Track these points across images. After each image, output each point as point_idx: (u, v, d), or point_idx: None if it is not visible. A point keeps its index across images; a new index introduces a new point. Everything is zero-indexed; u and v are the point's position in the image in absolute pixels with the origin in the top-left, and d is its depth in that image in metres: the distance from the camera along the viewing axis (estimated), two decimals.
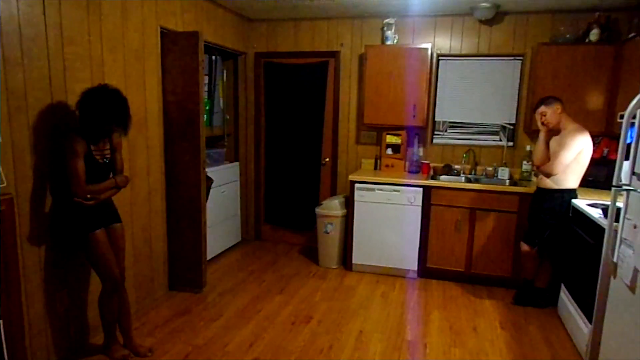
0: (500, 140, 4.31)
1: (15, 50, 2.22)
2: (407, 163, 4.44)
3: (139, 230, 3.25)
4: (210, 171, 3.95)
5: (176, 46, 3.37)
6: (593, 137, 3.28)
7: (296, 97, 4.72)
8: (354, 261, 4.25)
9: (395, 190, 3.99)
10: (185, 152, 3.47)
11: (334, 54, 4.57)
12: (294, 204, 4.89)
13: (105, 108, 2.32)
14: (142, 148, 3.23)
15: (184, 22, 3.60)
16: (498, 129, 4.31)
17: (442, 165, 4.39)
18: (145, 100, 3.23)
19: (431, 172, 4.33)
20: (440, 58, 4.31)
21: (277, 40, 4.72)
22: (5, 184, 2.01)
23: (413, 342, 3.01)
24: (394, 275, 4.16)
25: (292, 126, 4.77)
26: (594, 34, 3.71)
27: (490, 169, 4.29)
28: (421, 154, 4.45)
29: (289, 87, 4.72)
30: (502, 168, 4.19)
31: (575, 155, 3.14)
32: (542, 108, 3.27)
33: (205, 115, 3.99)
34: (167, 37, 3.37)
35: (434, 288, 3.92)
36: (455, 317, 3.37)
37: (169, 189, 3.54)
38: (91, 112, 2.31)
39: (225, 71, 4.79)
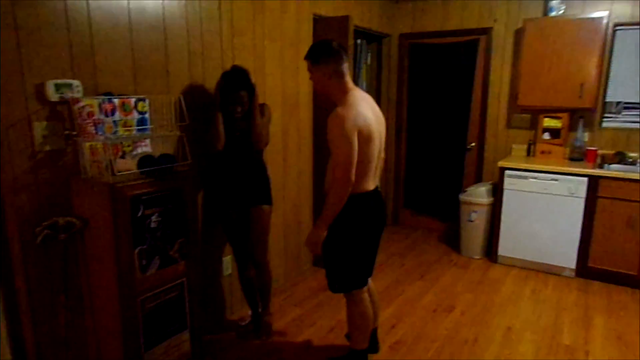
0: None
1: (197, 43, 2.52)
2: (567, 149, 3.97)
3: (289, 208, 3.48)
4: None
5: (327, 31, 3.48)
6: None
7: (441, 79, 4.53)
8: (499, 253, 3.98)
9: (553, 179, 3.60)
10: None
11: (486, 31, 4.26)
12: (435, 189, 4.75)
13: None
14: (294, 130, 3.43)
15: (334, 7, 3.68)
16: None
17: (612, 152, 3.82)
18: (298, 85, 3.41)
19: (598, 161, 3.80)
20: (617, 28, 3.71)
21: (423, 20, 4.57)
22: (189, 161, 2.30)
23: (572, 347, 2.73)
24: (545, 271, 3.79)
25: (436, 109, 4.61)
26: None
27: None
28: (586, 139, 3.93)
29: (434, 68, 4.55)
30: None
31: None
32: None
33: None
34: (319, 23, 3.49)
35: (596, 291, 3.48)
36: (625, 327, 2.95)
37: (317, 170, 3.70)
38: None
39: (369, 55, 4.81)
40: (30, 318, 1.95)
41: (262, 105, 2.61)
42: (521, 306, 3.24)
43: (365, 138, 2.05)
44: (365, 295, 2.35)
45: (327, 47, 2.13)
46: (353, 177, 2.04)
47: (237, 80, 2.45)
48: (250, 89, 2.48)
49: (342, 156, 2.03)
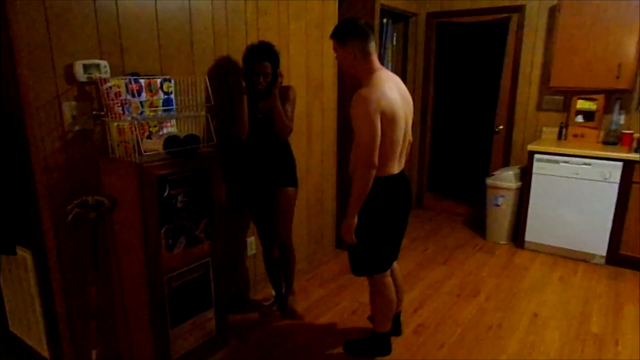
0: None
1: (222, 23, 2.50)
2: (602, 133, 3.82)
3: (312, 190, 3.47)
4: None
5: (352, 11, 3.41)
6: None
7: (470, 59, 4.42)
8: (526, 238, 3.90)
9: (586, 164, 3.48)
10: None
11: (518, 9, 4.10)
12: (461, 173, 4.67)
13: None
14: (318, 112, 3.40)
15: None
16: None
17: None
18: (322, 65, 3.36)
19: (634, 145, 3.65)
20: None
21: None
22: (214, 142, 2.31)
23: (600, 336, 2.66)
24: (574, 258, 3.70)
25: (464, 90, 4.51)
26: None
27: None
28: (622, 122, 3.76)
29: (463, 48, 4.44)
30: None
31: None
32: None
33: None
34: (345, 2, 3.42)
35: (628, 279, 3.37)
36: None
37: (340, 152, 3.67)
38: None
39: (395, 35, 4.70)
40: (62, 293, 2.01)
41: (288, 88, 2.58)
42: (548, 293, 3.17)
43: (389, 120, 2.00)
44: (388, 279, 2.33)
45: (354, 26, 2.07)
46: (376, 160, 2.00)
47: (261, 51, 2.43)
48: (275, 62, 2.46)
49: (365, 138, 1.97)
